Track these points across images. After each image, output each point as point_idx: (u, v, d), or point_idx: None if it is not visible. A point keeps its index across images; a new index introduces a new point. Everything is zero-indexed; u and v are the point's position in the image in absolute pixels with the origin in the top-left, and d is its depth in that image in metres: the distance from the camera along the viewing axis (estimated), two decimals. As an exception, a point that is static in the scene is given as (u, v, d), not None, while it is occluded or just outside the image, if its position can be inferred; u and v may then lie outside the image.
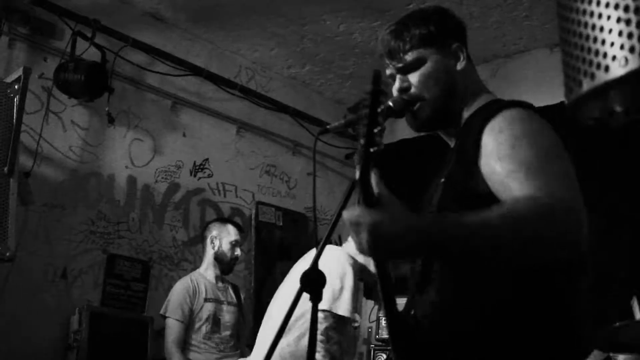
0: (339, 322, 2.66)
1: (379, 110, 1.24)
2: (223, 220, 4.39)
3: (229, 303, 4.08)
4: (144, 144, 4.49)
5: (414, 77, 1.60)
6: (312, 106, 5.49)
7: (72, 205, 4.05)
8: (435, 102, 1.59)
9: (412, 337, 1.45)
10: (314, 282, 1.33)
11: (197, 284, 4.00)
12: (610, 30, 0.79)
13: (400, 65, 1.61)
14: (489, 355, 1.38)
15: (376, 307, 5.00)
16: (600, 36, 0.81)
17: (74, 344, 3.71)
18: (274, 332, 1.41)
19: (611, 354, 3.00)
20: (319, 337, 2.61)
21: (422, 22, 1.62)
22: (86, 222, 4.09)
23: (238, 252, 4.17)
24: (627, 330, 2.75)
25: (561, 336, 1.37)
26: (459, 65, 1.62)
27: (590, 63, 0.82)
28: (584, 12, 0.83)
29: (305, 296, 1.34)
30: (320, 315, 2.63)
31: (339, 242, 5.45)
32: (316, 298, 1.33)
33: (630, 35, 0.77)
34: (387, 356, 4.59)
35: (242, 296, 4.27)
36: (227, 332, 4.00)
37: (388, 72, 1.66)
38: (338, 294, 2.65)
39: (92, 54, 4.05)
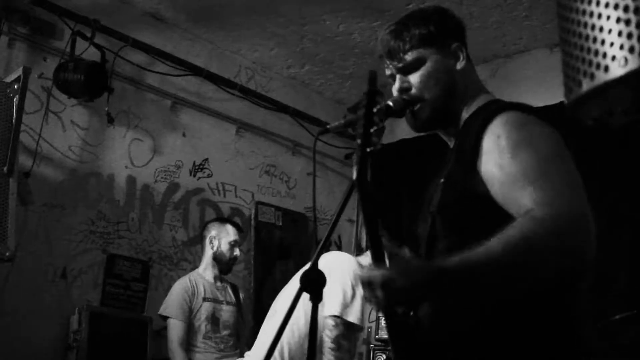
0: (349, 330, 2.66)
1: (375, 110, 1.24)
2: (222, 220, 4.39)
3: (227, 303, 4.08)
4: (144, 143, 4.49)
5: (414, 77, 1.60)
6: (312, 106, 5.49)
7: (71, 205, 4.04)
8: (435, 102, 1.59)
9: (412, 337, 1.45)
10: (313, 282, 1.33)
11: (196, 283, 3.99)
12: (610, 31, 0.79)
13: (400, 65, 1.61)
14: (489, 355, 1.38)
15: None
16: (600, 36, 0.81)
17: (73, 344, 3.71)
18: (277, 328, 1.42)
19: None
20: (330, 344, 2.61)
21: (422, 22, 1.61)
22: (86, 222, 4.09)
23: (237, 252, 4.17)
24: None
25: (561, 336, 1.36)
26: (459, 65, 1.61)
27: (590, 63, 0.82)
28: (584, 12, 0.83)
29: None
30: (331, 322, 2.63)
31: (339, 242, 5.46)
32: (316, 298, 1.33)
33: (629, 36, 0.77)
34: (387, 356, 4.59)
35: (242, 296, 4.26)
36: (226, 332, 4.00)
37: (388, 72, 1.65)
38: (350, 301, 2.64)
39: (91, 54, 4.05)
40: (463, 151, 1.48)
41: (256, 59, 5.14)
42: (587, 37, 0.82)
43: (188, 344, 3.87)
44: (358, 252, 2.96)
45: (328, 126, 1.68)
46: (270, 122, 5.24)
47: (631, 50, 0.77)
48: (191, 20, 4.64)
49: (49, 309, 3.82)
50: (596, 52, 0.81)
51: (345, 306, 2.63)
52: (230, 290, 4.17)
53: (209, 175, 4.84)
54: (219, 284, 4.12)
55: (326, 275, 1.34)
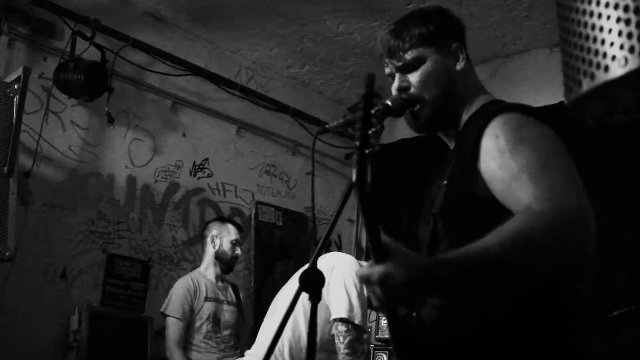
0: (358, 332, 2.66)
1: (372, 112, 1.24)
2: (223, 219, 4.40)
3: (228, 302, 4.09)
4: (144, 143, 4.49)
5: (413, 77, 1.60)
6: (312, 106, 5.49)
7: (71, 205, 4.04)
8: (434, 102, 1.59)
9: (414, 337, 1.45)
10: (313, 282, 1.33)
11: (198, 283, 4.00)
12: (610, 30, 0.79)
13: (399, 63, 1.61)
14: (490, 355, 1.38)
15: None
16: (600, 36, 0.81)
17: (73, 343, 3.71)
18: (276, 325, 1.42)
19: None
20: (345, 350, 2.61)
21: (422, 21, 1.61)
22: (86, 222, 4.09)
23: (238, 251, 4.18)
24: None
25: (561, 336, 1.37)
26: (459, 66, 1.61)
27: (590, 63, 0.82)
28: (584, 12, 0.83)
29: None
30: (342, 327, 2.63)
31: (339, 242, 5.46)
32: (315, 298, 1.33)
33: (630, 35, 0.77)
34: (388, 356, 4.59)
35: (242, 296, 4.27)
36: (227, 332, 4.01)
37: (387, 71, 1.65)
38: (356, 303, 2.64)
39: (92, 54, 4.05)
40: (463, 152, 1.48)
41: (256, 59, 5.14)
42: (587, 37, 0.82)
43: (189, 344, 3.88)
44: (358, 252, 2.97)
45: (327, 126, 1.68)
46: (270, 122, 5.24)
47: (631, 50, 0.77)
48: (191, 20, 4.64)
49: (49, 309, 3.82)
50: (596, 52, 0.81)
51: (352, 309, 2.63)
52: (231, 290, 4.18)
53: (209, 175, 4.84)
54: (220, 283, 4.13)
55: (326, 275, 1.34)
